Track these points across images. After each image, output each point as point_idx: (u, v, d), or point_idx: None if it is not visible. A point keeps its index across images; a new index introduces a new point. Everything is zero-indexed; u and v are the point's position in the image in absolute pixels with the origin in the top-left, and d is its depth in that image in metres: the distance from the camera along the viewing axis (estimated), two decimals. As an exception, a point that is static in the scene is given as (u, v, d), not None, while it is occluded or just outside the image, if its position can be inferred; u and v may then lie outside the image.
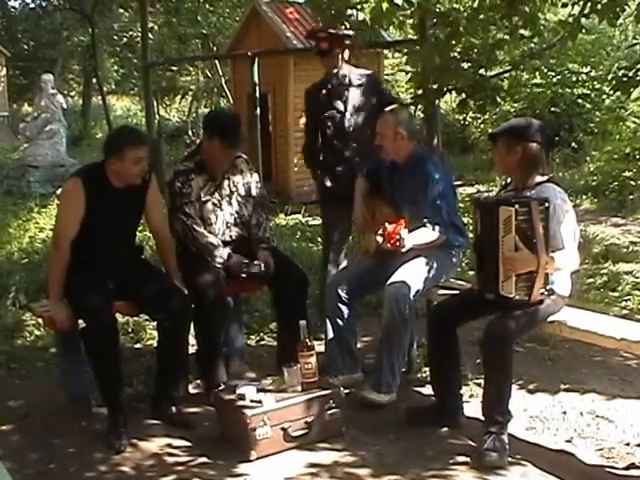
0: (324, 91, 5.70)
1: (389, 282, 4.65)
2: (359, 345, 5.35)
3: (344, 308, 4.92)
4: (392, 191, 5.02)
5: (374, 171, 5.17)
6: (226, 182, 5.10)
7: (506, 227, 3.94)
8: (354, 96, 5.65)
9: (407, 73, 13.25)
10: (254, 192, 5.21)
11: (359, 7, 6.60)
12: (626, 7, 6.70)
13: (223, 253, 4.96)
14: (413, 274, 4.69)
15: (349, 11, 6.77)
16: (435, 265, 4.74)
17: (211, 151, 4.98)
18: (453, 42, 7.51)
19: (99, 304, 4.38)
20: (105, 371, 4.40)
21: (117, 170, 4.52)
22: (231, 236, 5.11)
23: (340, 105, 5.63)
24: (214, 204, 5.05)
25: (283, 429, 4.15)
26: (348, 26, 6.22)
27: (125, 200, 4.61)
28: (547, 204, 3.93)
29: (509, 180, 4.41)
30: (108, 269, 4.59)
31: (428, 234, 4.69)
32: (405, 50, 11.21)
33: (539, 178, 4.16)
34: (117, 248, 4.66)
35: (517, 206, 3.90)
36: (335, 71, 5.67)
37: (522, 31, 8.82)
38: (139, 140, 4.63)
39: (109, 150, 4.54)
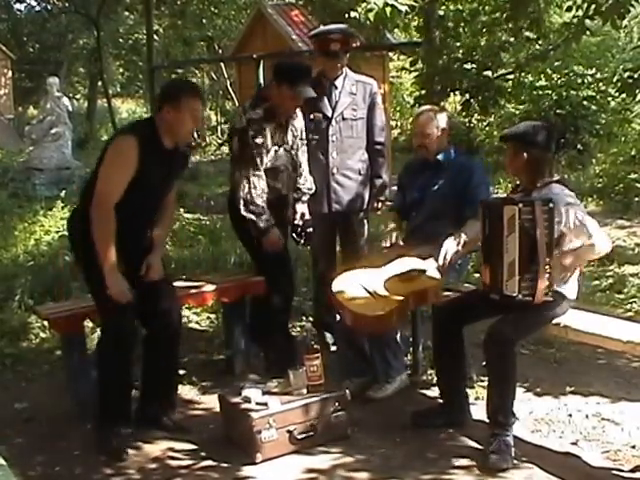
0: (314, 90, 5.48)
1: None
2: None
3: None
4: (420, 190, 5.03)
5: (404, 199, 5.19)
6: (290, 128, 5.18)
7: (510, 226, 3.95)
8: (344, 103, 5.46)
9: (411, 72, 13.28)
10: (304, 136, 5.33)
11: (361, 9, 6.58)
12: (631, 9, 6.71)
13: (266, 225, 5.00)
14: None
15: (352, 13, 6.76)
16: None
17: (281, 98, 5.00)
18: (457, 44, 7.53)
19: (124, 308, 4.16)
20: (118, 375, 4.27)
21: (171, 121, 4.20)
22: (300, 184, 5.31)
23: (328, 109, 5.46)
24: (286, 150, 5.15)
25: (289, 432, 4.15)
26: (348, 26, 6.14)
27: (171, 164, 4.35)
28: (551, 205, 3.92)
29: (518, 182, 4.43)
30: (137, 245, 4.33)
31: (475, 225, 4.59)
32: (409, 52, 11.23)
33: (547, 180, 4.17)
34: (152, 217, 4.42)
35: (521, 205, 3.91)
36: (334, 73, 5.47)
37: (527, 33, 8.84)
38: (197, 92, 4.39)
39: (164, 97, 4.26)
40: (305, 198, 5.38)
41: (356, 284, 4.48)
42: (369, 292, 4.40)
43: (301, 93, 4.98)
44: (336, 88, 5.47)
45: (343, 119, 5.45)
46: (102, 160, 4.20)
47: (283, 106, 5.06)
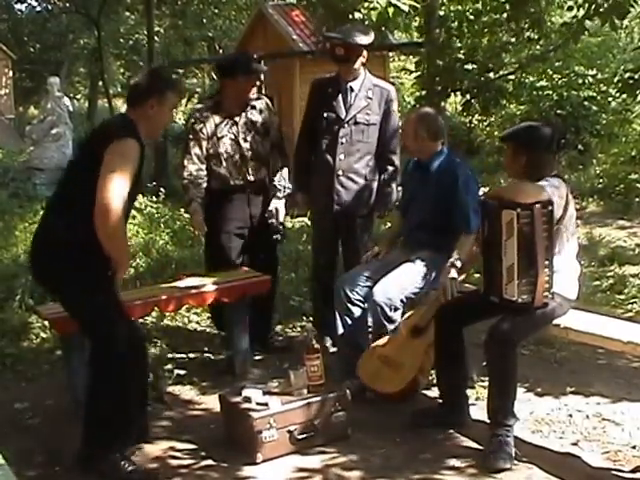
0: (330, 90, 5.46)
1: (376, 285, 4.72)
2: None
3: (354, 309, 4.93)
4: (413, 192, 5.06)
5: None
6: (243, 120, 5.43)
7: (508, 230, 3.92)
8: (358, 106, 5.38)
9: (411, 73, 13.28)
10: (272, 133, 5.55)
11: (363, 9, 6.58)
12: (631, 9, 6.72)
13: (194, 195, 5.34)
14: (402, 277, 4.76)
15: (355, 14, 6.75)
16: (433, 269, 4.76)
17: (224, 91, 5.43)
18: (458, 44, 7.53)
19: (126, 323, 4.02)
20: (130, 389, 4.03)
21: (153, 116, 4.03)
22: (252, 175, 5.47)
23: (342, 111, 5.39)
24: (231, 139, 5.39)
25: (289, 432, 4.14)
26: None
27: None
28: (550, 207, 3.91)
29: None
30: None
31: (467, 242, 4.70)
32: (410, 52, 11.24)
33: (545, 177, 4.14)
34: (128, 216, 4.21)
35: (519, 210, 3.87)
36: (348, 76, 5.40)
37: (528, 33, 8.86)
38: (180, 87, 4.29)
39: (150, 91, 4.03)
40: (280, 194, 5.55)
41: (376, 361, 4.70)
42: (390, 364, 4.64)
43: (245, 81, 5.35)
44: (352, 91, 5.41)
45: (355, 123, 5.39)
46: (83, 166, 3.99)
47: (228, 98, 5.42)
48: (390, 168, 5.55)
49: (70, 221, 3.90)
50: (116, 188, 3.76)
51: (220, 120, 5.39)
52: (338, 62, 5.41)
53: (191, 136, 5.39)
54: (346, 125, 5.39)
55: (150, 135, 4.15)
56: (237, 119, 5.42)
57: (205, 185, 5.40)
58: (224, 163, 5.40)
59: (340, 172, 5.43)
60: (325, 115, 5.43)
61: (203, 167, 5.38)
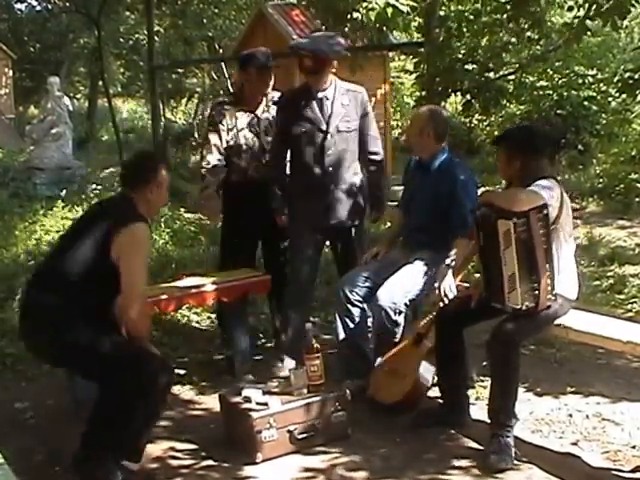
0: (303, 102, 5.16)
1: (380, 289, 4.71)
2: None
3: (354, 310, 4.92)
4: (413, 191, 5.05)
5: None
6: (265, 114, 5.52)
7: (506, 240, 3.89)
8: (337, 115, 5.12)
9: (411, 73, 13.26)
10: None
11: (362, 9, 6.57)
12: (632, 9, 6.72)
13: (211, 183, 5.42)
14: (405, 280, 4.75)
15: (354, 14, 6.74)
16: (433, 269, 4.75)
17: (245, 84, 5.55)
18: (458, 44, 7.52)
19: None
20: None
21: (153, 199, 4.10)
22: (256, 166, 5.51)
23: (321, 122, 5.11)
24: (252, 132, 5.48)
25: (289, 432, 4.15)
26: (349, 26, 6.10)
27: None
28: (546, 211, 3.89)
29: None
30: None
31: (464, 244, 4.66)
32: (411, 52, 11.24)
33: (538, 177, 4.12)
34: None
35: (515, 219, 3.83)
36: (317, 86, 5.14)
37: (529, 33, 8.85)
38: (168, 162, 4.39)
39: (148, 176, 4.08)
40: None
41: (383, 373, 4.71)
42: (394, 375, 4.63)
43: (264, 74, 5.45)
44: (327, 99, 5.15)
45: (338, 131, 5.14)
46: (86, 239, 3.97)
47: (246, 92, 5.53)
48: (375, 170, 5.38)
49: (66, 291, 3.92)
50: (140, 281, 3.93)
51: (241, 113, 5.46)
52: (307, 74, 5.17)
53: (211, 128, 5.48)
54: (329, 136, 5.13)
55: (149, 214, 4.16)
56: (258, 113, 5.50)
57: (223, 175, 5.45)
58: (244, 155, 5.45)
59: (332, 186, 5.18)
60: (303, 129, 5.14)
61: (222, 158, 5.43)
